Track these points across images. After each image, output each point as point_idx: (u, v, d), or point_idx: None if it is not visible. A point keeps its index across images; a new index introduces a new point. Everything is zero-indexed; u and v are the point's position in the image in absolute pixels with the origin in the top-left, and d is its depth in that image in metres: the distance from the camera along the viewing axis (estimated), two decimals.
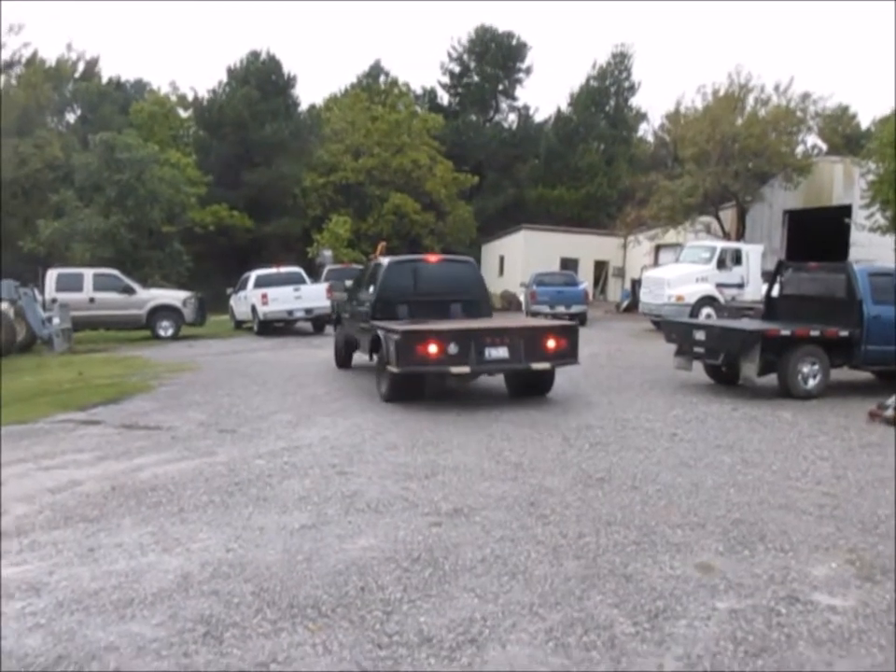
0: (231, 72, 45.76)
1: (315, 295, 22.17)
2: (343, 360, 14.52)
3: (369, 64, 55.65)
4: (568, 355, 10.72)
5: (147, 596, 4.44)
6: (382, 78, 54.34)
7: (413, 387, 10.55)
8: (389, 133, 44.07)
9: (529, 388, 11.20)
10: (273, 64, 45.86)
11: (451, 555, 5.02)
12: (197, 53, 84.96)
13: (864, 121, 48.72)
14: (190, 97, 47.90)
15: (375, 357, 11.40)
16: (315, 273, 27.44)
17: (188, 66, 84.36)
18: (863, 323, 11.46)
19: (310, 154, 43.80)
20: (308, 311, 22.15)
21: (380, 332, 10.73)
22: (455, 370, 10.00)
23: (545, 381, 11.13)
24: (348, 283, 14.50)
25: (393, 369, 10.08)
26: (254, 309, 22.75)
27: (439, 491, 6.48)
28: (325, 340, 19.24)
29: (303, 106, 47.90)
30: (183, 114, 47.73)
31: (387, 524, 5.66)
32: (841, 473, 7.21)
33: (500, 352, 10.14)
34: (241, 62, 45.91)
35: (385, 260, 12.82)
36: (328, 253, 33.53)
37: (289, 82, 46.41)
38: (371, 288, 12.28)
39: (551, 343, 10.46)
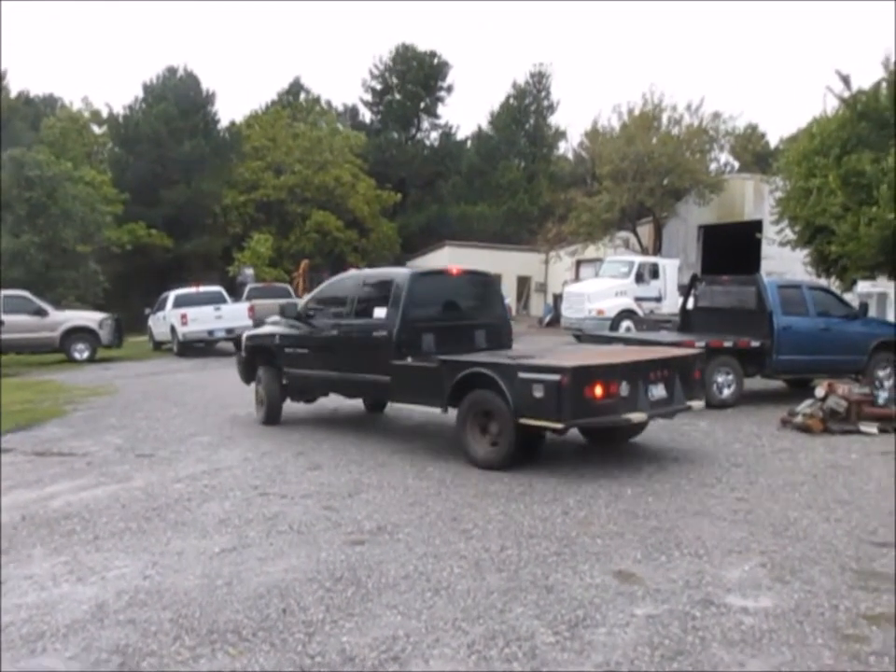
0: (147, 88, 44.72)
1: (236, 314, 21.97)
2: (276, 415, 10.74)
3: (289, 81, 55.41)
4: (702, 387, 9.17)
5: (59, 629, 4.30)
6: (303, 96, 54.10)
7: (536, 444, 8.11)
8: (311, 150, 43.86)
9: (618, 432, 8.77)
10: (190, 81, 44.98)
11: (374, 573, 5.01)
12: (111, 68, 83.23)
13: (773, 140, 50.78)
14: (105, 113, 46.68)
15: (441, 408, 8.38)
16: (235, 293, 27.10)
17: (101, 82, 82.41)
18: (774, 334, 11.92)
19: (230, 171, 43.15)
20: (229, 331, 21.77)
21: (490, 373, 7.76)
22: (635, 417, 7.67)
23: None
24: (300, 302, 11.56)
25: (553, 424, 7.39)
26: (173, 329, 22.34)
27: (362, 510, 6.46)
28: None
29: (223, 123, 47.14)
30: (97, 130, 46.42)
31: (310, 544, 5.61)
32: (754, 479, 7.47)
33: (660, 390, 8.04)
34: (157, 77, 44.98)
35: (402, 272, 9.84)
36: (249, 272, 33.15)
37: (208, 99, 45.60)
38: (383, 312, 9.15)
39: (696, 375, 8.75)
